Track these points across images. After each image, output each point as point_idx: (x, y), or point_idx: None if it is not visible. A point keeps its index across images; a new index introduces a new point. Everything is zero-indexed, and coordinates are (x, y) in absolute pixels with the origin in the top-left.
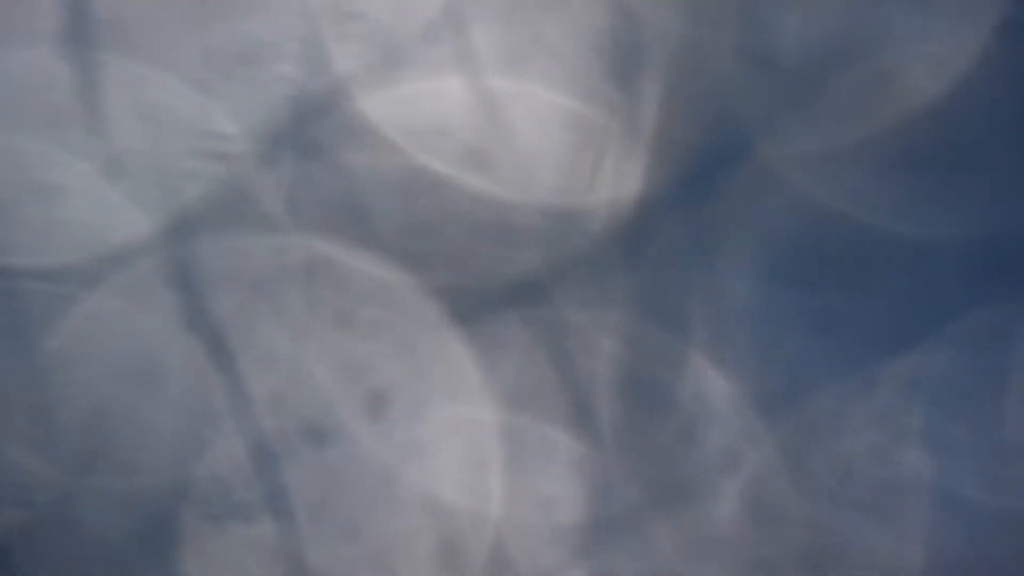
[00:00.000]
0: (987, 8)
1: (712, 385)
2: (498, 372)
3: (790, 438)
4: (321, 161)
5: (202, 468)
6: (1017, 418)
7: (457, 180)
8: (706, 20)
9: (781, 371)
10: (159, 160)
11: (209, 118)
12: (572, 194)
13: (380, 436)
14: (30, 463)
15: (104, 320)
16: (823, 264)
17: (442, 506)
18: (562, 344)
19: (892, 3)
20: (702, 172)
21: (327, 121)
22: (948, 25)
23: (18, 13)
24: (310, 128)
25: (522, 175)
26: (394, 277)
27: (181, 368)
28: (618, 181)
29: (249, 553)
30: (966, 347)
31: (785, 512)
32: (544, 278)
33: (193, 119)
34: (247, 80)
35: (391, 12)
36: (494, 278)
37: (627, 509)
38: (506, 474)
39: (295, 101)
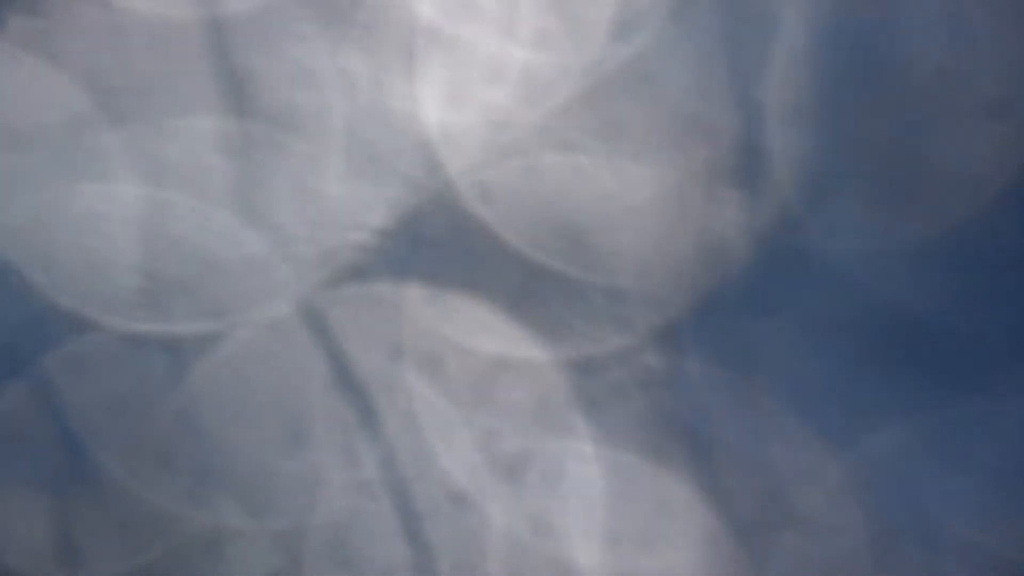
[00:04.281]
0: None
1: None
2: (617, 436)
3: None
4: (447, 247)
5: (343, 526)
6: None
7: (571, 266)
8: (791, 127)
9: (854, 439)
10: (313, 237)
11: (356, 204)
12: (670, 281)
13: (517, 500)
14: (179, 513)
15: (260, 381)
16: (896, 348)
17: (576, 569)
18: (672, 418)
19: (962, 114)
20: (783, 266)
21: (453, 210)
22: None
23: (185, 98)
24: (437, 216)
25: (620, 261)
26: (519, 352)
27: (327, 428)
28: (713, 268)
29: None
30: None
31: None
32: (653, 356)
33: (344, 204)
34: (393, 173)
35: (504, 114)
36: (605, 355)
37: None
38: (634, 537)
39: (428, 192)
